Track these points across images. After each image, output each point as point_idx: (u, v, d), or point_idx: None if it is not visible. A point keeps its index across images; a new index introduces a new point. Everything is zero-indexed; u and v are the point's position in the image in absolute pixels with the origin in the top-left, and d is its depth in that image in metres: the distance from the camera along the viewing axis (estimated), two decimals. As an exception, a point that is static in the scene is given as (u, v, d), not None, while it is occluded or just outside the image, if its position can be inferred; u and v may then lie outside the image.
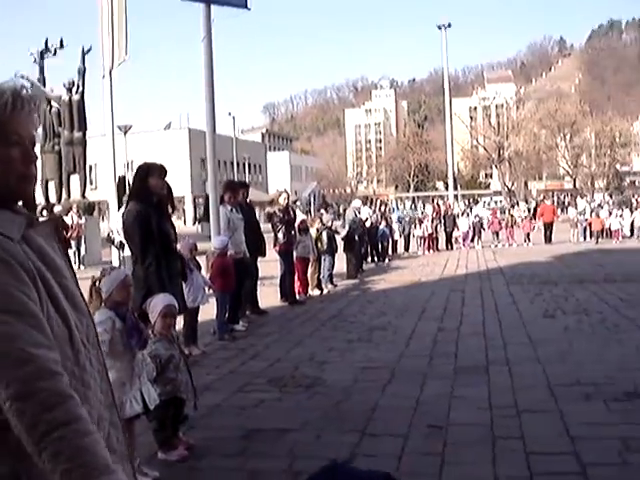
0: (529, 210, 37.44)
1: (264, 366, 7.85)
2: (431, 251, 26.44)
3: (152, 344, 4.78)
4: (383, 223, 24.06)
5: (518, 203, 52.14)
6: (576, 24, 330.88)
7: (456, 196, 50.56)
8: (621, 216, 31.29)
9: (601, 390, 6.28)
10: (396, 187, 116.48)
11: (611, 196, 67.58)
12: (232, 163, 64.30)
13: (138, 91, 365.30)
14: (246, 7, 13.96)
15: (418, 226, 27.23)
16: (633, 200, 37.48)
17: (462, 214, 32.36)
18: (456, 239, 28.77)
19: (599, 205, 38.66)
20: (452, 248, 27.83)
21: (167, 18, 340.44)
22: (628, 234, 31.05)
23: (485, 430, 5.28)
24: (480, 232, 28.79)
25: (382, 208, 34.08)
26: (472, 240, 28.30)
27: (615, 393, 6.15)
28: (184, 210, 65.65)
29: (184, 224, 58.25)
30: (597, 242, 29.05)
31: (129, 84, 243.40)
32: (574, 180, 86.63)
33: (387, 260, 22.92)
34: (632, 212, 31.89)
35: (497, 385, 6.59)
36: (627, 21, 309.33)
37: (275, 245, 12.98)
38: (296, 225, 13.64)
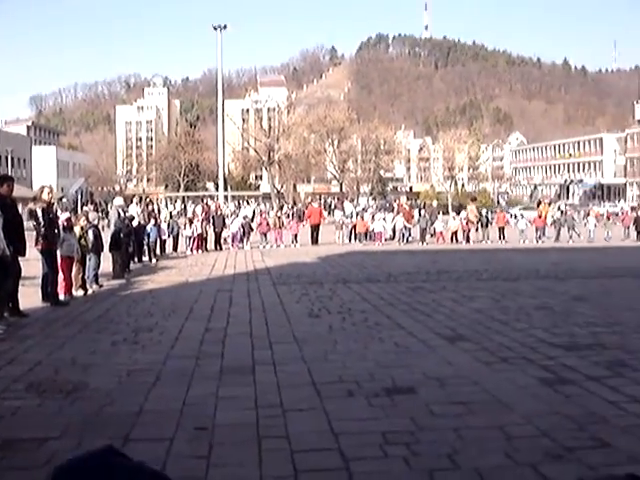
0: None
1: (23, 371, 7.28)
2: (200, 251, 26.29)
3: None
4: (152, 222, 23.57)
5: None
6: (347, 35, 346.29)
7: (226, 197, 50.77)
8: (384, 219, 32.92)
9: (363, 387, 6.44)
10: (166, 186, 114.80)
11: (375, 200, 71.05)
12: (-8, 156, 60.50)
13: None
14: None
15: (187, 226, 26.96)
16: (395, 204, 39.46)
17: (232, 214, 32.52)
18: (225, 239, 28.84)
19: (363, 209, 40.40)
20: (221, 248, 27.85)
21: None
22: (390, 235, 32.75)
23: (251, 430, 5.21)
24: (249, 233, 29.07)
25: (150, 207, 33.34)
26: (241, 240, 28.49)
27: (376, 389, 6.34)
28: None
29: None
30: (361, 243, 30.38)
31: None
32: (341, 184, 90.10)
33: (155, 260, 22.47)
34: (394, 216, 33.64)
35: (263, 385, 6.55)
36: (394, 36, 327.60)
37: (37, 243, 12.26)
38: (60, 222, 12.98)
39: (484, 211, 36.51)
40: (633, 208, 55.45)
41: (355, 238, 31.81)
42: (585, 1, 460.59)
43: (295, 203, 69.99)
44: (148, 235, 22.62)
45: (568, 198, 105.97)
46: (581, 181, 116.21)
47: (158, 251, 23.85)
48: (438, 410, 5.68)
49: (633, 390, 6.25)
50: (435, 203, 39.44)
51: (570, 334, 9.15)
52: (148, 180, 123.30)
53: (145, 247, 22.56)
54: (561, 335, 9.07)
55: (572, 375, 6.85)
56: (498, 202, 77.34)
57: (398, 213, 33.48)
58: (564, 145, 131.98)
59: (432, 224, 33.19)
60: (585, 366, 7.23)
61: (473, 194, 61.96)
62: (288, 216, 42.35)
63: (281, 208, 48.94)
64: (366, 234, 31.67)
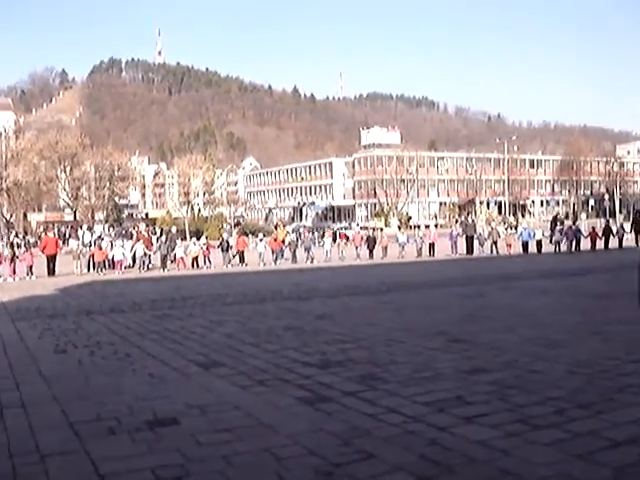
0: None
1: None
2: None
3: None
4: None
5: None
6: (79, 58, 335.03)
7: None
8: (123, 247, 32.14)
9: (123, 422, 6.18)
10: None
11: (112, 227, 69.30)
12: None
13: None
14: None
15: None
16: (134, 231, 38.72)
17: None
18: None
19: (100, 237, 39.23)
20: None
21: None
22: (130, 263, 32.07)
23: (5, 481, 4.81)
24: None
25: None
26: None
27: (137, 423, 6.12)
28: None
29: None
30: (101, 273, 29.41)
31: None
32: (74, 212, 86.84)
33: None
34: (133, 244, 32.95)
35: (15, 430, 6.06)
36: (127, 60, 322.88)
37: None
38: None
39: (225, 235, 36.97)
40: (363, 228, 59.05)
41: (94, 267, 30.75)
42: (313, 32, 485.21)
43: (26, 233, 66.36)
44: None
45: (302, 220, 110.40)
46: (313, 203, 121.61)
47: None
48: (204, 439, 5.59)
49: (388, 402, 6.58)
50: (174, 229, 39.24)
51: (321, 352, 9.47)
52: None
53: None
54: (312, 354, 9.35)
55: (329, 392, 7.07)
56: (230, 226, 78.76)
57: (138, 240, 32.90)
58: (296, 169, 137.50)
59: (172, 250, 33.01)
60: (340, 382, 7.50)
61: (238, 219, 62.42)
62: (19, 247, 40.05)
63: (13, 239, 46.12)
64: (105, 262, 30.76)
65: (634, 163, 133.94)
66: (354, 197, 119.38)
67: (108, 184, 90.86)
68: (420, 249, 36.91)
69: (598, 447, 5.10)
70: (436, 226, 51.22)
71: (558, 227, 39.09)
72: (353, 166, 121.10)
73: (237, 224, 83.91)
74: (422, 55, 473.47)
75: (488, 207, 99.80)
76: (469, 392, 6.87)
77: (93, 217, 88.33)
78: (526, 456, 4.93)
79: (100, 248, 31.28)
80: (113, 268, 30.66)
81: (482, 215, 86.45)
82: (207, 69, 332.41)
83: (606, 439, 5.29)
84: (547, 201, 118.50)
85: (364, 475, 4.63)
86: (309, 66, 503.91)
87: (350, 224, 75.32)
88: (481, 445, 5.19)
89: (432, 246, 36.93)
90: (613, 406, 6.26)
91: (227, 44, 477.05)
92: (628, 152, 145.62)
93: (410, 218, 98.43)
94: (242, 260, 33.86)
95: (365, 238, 37.92)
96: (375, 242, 37.29)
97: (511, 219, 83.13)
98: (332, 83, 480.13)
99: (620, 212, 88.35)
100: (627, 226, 42.46)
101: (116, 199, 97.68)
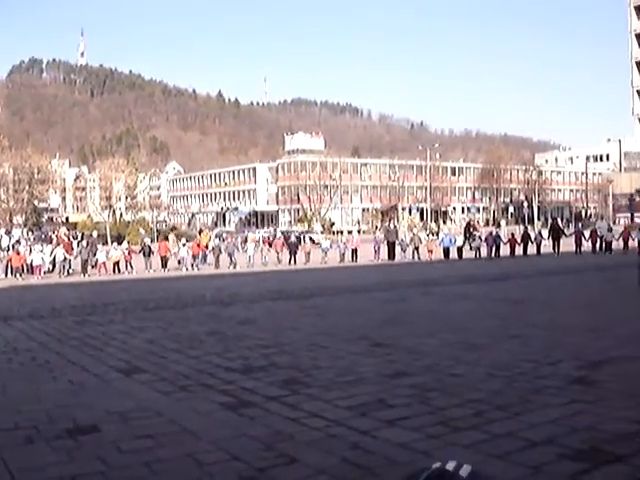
0: None
1: None
2: None
3: None
4: None
5: None
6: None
7: None
8: (42, 251, 31.42)
9: (42, 431, 6.05)
10: None
11: (31, 231, 67.66)
12: None
13: None
14: None
15: None
16: (53, 236, 37.90)
17: None
18: None
19: (17, 241, 38.29)
20: None
21: None
22: (50, 268, 31.38)
23: None
24: None
25: None
26: None
27: (57, 432, 6.00)
28: None
29: None
30: (19, 278, 28.68)
31: None
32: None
33: None
34: (53, 248, 32.26)
35: None
36: (48, 61, 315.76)
37: None
38: None
39: (147, 240, 36.53)
40: (283, 232, 59.16)
41: (12, 272, 29.95)
42: (238, 37, 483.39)
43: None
44: None
45: (225, 225, 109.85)
46: (236, 209, 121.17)
47: None
48: (126, 447, 5.52)
49: (310, 406, 6.61)
50: (95, 233, 38.56)
51: (243, 357, 9.45)
52: None
53: None
54: (235, 359, 9.33)
55: (252, 397, 7.06)
56: (158, 231, 77.83)
57: (58, 244, 32.19)
58: (220, 174, 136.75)
59: (94, 255, 32.44)
60: (263, 387, 7.50)
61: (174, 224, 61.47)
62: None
63: None
64: (24, 267, 30.00)
65: (552, 172, 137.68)
66: (278, 202, 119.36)
67: (27, 187, 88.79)
68: (343, 255, 37.17)
69: (516, 447, 5.24)
70: (359, 232, 51.67)
71: (478, 233, 39.95)
72: (277, 171, 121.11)
73: (173, 228, 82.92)
74: (346, 62, 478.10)
75: (410, 213, 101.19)
76: (391, 395, 6.96)
77: (11, 221, 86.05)
78: (446, 457, 5.01)
79: (18, 253, 30.51)
80: (32, 273, 29.94)
81: (404, 221, 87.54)
82: (131, 72, 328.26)
83: (523, 439, 5.43)
84: (468, 208, 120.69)
85: (287, 479, 4.65)
86: (233, 71, 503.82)
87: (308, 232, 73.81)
88: (402, 448, 5.26)
89: (355, 252, 37.24)
90: (530, 407, 6.43)
91: (151, 47, 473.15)
92: (546, 161, 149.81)
93: (333, 224, 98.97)
94: (164, 265, 33.50)
95: (287, 244, 37.97)
96: (297, 247, 37.34)
97: (433, 225, 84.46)
98: (256, 88, 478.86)
99: (538, 219, 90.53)
100: (545, 233, 43.58)
101: (35, 202, 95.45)
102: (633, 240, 37.47)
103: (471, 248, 38.12)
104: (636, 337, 10.50)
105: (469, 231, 42.36)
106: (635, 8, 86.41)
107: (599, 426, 5.78)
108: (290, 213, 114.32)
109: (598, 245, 38.54)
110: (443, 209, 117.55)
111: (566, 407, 6.42)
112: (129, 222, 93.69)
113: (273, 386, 7.54)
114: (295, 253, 36.58)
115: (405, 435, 5.60)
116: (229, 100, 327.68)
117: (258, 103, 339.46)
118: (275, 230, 74.74)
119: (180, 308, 16.50)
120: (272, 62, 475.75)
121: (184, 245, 35.24)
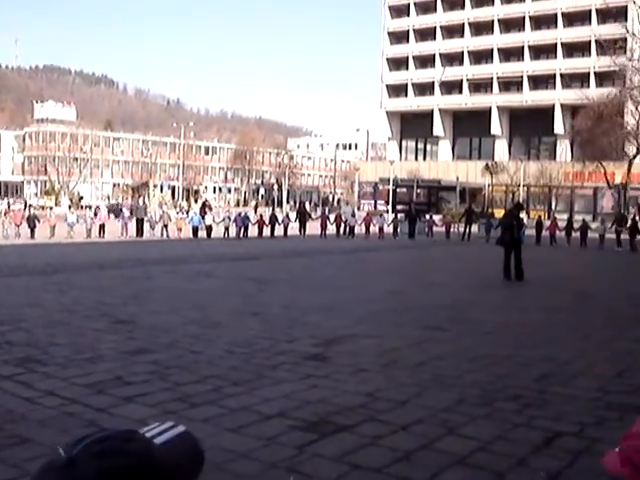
0: None
1: None
2: None
3: None
4: None
5: None
6: None
7: None
8: None
9: None
10: None
11: None
12: None
13: None
14: None
15: None
16: None
17: None
18: None
19: None
20: None
21: None
22: None
23: None
24: None
25: None
26: None
27: None
28: None
29: None
30: None
31: None
32: None
33: None
34: None
35: None
36: None
37: None
38: None
39: None
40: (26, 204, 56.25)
41: None
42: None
43: None
44: None
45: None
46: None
47: None
48: None
49: (46, 385, 6.43)
50: None
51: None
52: None
53: None
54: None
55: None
56: None
57: None
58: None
59: None
60: (-5, 366, 7.18)
61: None
62: None
63: None
64: None
65: (303, 157, 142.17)
66: (23, 173, 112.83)
67: None
68: (90, 230, 35.97)
69: (250, 421, 5.47)
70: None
71: (211, 214, 40.96)
72: (24, 140, 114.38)
73: None
74: (104, 32, 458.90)
75: (162, 190, 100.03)
76: (129, 373, 6.95)
77: None
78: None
79: None
80: None
81: (155, 198, 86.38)
82: None
83: (258, 413, 5.68)
84: (220, 188, 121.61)
85: (18, 458, 4.52)
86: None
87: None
88: (139, 424, 5.26)
89: (102, 227, 36.20)
90: (266, 382, 6.72)
91: None
92: (298, 146, 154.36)
93: (82, 198, 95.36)
94: None
95: (26, 216, 36.05)
96: (36, 221, 35.32)
97: (183, 204, 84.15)
98: (7, 50, 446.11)
99: (287, 202, 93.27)
100: (292, 215, 44.97)
101: None
102: (374, 226, 39.85)
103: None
104: (368, 317, 11.27)
105: (204, 210, 43.40)
106: (390, 7, 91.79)
107: (330, 399, 6.19)
108: (37, 185, 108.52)
109: (342, 229, 40.46)
110: (195, 188, 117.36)
111: (301, 382, 6.78)
112: None
113: (7, 365, 7.24)
114: (34, 227, 34.57)
115: (142, 411, 5.65)
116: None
117: (7, 66, 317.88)
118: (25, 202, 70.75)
119: None
120: (26, 24, 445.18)
121: None
